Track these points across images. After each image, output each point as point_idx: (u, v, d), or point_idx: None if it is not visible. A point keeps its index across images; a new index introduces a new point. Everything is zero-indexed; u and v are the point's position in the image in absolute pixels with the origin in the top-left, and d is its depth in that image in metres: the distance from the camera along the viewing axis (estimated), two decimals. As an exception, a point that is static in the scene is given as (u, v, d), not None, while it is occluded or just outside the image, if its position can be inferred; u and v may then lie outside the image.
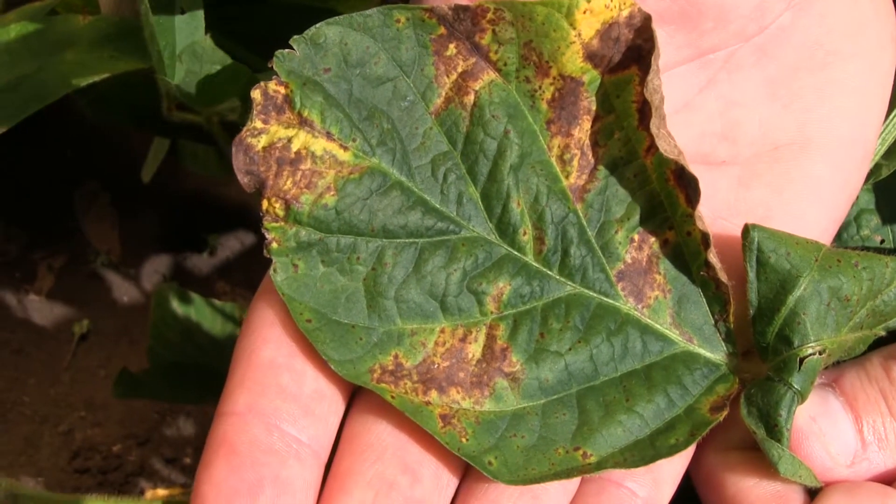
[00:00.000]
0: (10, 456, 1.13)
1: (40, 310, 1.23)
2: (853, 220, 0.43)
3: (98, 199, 1.28)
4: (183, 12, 0.53)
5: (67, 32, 0.58)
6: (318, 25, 0.34)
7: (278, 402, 0.32)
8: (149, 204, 1.28)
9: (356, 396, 0.34)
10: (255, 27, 0.67)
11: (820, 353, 0.33)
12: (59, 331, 1.22)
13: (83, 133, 1.24)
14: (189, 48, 0.51)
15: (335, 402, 0.33)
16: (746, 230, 0.34)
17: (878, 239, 0.43)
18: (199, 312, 0.78)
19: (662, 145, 0.34)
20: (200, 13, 0.55)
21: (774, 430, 0.33)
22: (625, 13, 0.34)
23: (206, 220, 1.27)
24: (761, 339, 0.34)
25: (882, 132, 0.38)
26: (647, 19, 0.34)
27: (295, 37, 0.34)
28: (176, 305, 0.78)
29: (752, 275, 0.34)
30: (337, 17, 0.34)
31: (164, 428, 1.16)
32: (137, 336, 1.21)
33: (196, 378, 0.77)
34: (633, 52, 0.34)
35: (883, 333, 0.35)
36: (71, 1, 0.64)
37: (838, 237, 0.43)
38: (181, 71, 0.53)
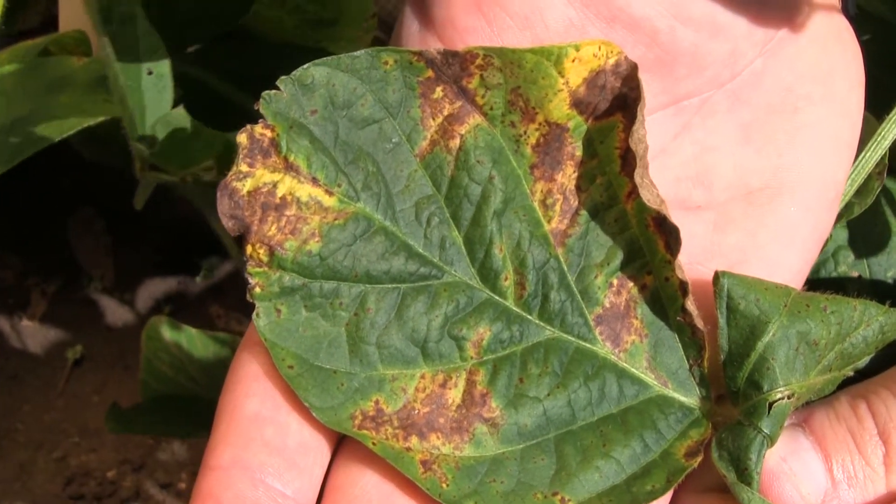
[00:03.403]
0: (3, 483, 1.13)
1: (34, 336, 1.23)
2: (830, 256, 0.43)
3: (92, 226, 1.28)
4: (150, 73, 0.53)
5: (62, 74, 0.58)
6: (305, 66, 0.34)
7: (263, 455, 0.32)
8: (143, 230, 1.27)
9: (342, 443, 0.34)
10: (246, 66, 0.67)
11: (789, 398, 0.33)
12: (52, 357, 1.22)
13: (77, 161, 1.24)
14: (163, 119, 0.51)
15: (320, 453, 0.33)
16: (717, 277, 0.34)
17: (855, 275, 0.43)
18: (191, 343, 0.77)
19: (646, 195, 0.34)
20: (167, 73, 0.55)
21: (745, 474, 0.33)
22: (611, 61, 0.34)
23: (200, 245, 1.27)
24: (732, 383, 0.34)
25: (852, 172, 0.39)
26: (634, 68, 0.34)
27: (282, 77, 0.34)
28: (168, 338, 0.77)
29: (722, 321, 0.34)
30: (325, 59, 0.34)
31: (158, 453, 1.16)
32: (131, 362, 1.21)
33: (189, 410, 0.77)
34: (619, 99, 0.34)
35: (851, 374, 0.35)
36: (63, 41, 0.64)
37: (816, 274, 0.43)
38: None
